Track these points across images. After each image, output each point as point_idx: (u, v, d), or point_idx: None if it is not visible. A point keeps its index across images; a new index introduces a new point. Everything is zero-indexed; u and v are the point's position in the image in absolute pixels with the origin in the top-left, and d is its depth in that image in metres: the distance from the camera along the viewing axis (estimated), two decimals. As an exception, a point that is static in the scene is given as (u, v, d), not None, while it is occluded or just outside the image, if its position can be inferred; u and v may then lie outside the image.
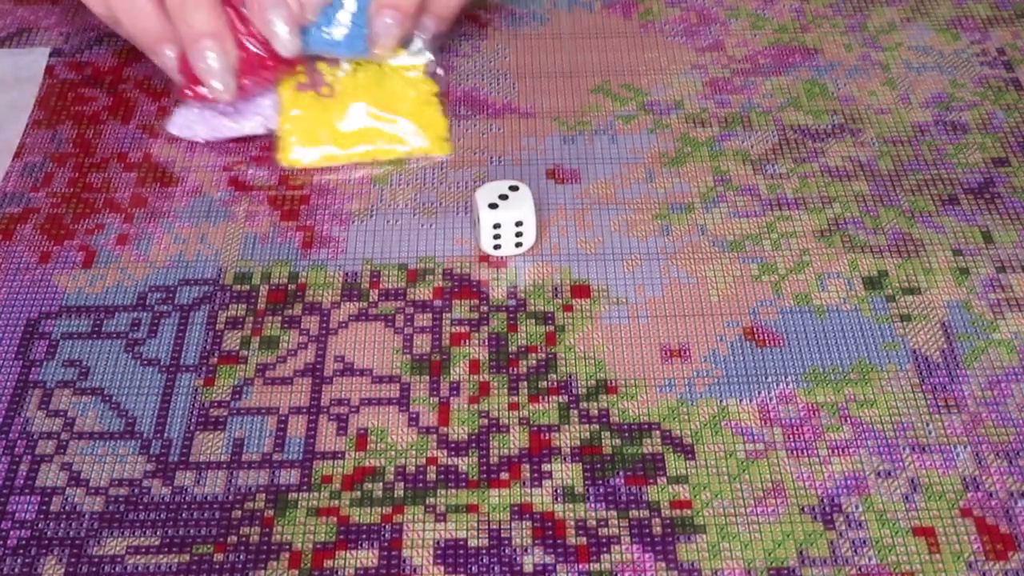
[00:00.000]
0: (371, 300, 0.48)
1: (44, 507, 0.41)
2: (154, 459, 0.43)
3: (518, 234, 0.49)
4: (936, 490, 0.41)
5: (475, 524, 0.41)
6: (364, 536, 0.41)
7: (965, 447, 0.43)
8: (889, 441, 0.43)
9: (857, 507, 0.41)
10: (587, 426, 0.44)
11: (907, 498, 0.41)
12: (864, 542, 0.40)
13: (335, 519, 0.41)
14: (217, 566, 0.40)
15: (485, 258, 0.50)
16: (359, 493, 0.42)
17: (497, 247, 0.49)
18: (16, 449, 0.43)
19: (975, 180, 0.53)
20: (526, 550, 0.40)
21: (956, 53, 0.60)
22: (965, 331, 0.47)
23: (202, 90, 0.52)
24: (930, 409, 0.44)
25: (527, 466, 0.43)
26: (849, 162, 0.54)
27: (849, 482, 0.42)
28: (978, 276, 0.49)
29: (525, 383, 0.45)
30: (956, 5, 0.63)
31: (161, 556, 0.40)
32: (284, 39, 0.51)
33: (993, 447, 0.43)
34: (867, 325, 0.47)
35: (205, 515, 0.41)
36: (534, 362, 0.46)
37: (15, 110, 0.57)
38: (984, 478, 0.42)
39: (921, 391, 0.44)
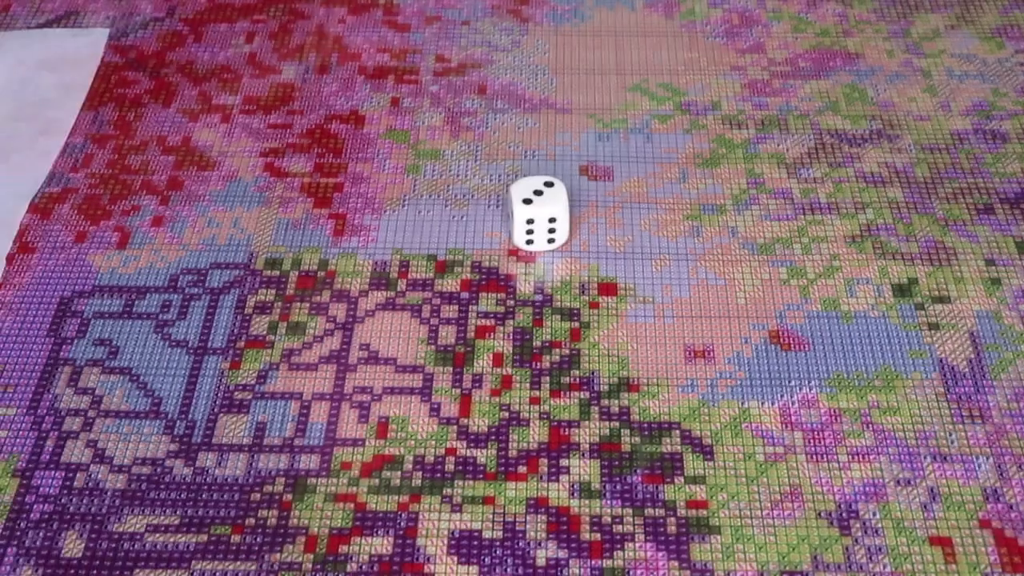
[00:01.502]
0: (399, 290, 0.49)
1: (68, 483, 0.42)
2: (178, 439, 0.43)
3: (551, 230, 0.49)
4: (955, 500, 0.41)
5: (491, 516, 0.41)
6: (380, 523, 0.41)
7: (987, 458, 0.42)
8: (911, 449, 0.43)
9: (874, 514, 0.41)
10: (607, 423, 0.44)
11: (926, 507, 0.41)
12: (880, 549, 0.40)
13: (352, 505, 0.41)
14: (234, 547, 0.40)
15: (514, 252, 0.50)
16: (377, 481, 0.42)
17: (530, 242, 0.49)
18: (44, 425, 0.44)
19: (1012, 190, 0.52)
20: (540, 544, 0.40)
21: (1000, 62, 0.59)
22: (994, 342, 0.46)
23: None
24: (954, 419, 0.43)
25: (545, 460, 0.43)
26: (885, 168, 0.53)
27: (868, 489, 0.41)
28: (1010, 287, 0.48)
29: (548, 378, 0.45)
30: (1003, 14, 0.62)
31: (179, 535, 0.40)
32: None
33: (1016, 459, 0.42)
34: (894, 332, 0.46)
35: (225, 497, 0.42)
36: (557, 357, 0.46)
37: (70, 90, 0.58)
38: (1005, 490, 0.41)
39: (946, 400, 0.44)
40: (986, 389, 0.44)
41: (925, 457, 0.42)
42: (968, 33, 0.61)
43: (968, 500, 0.41)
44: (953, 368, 0.45)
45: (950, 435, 0.43)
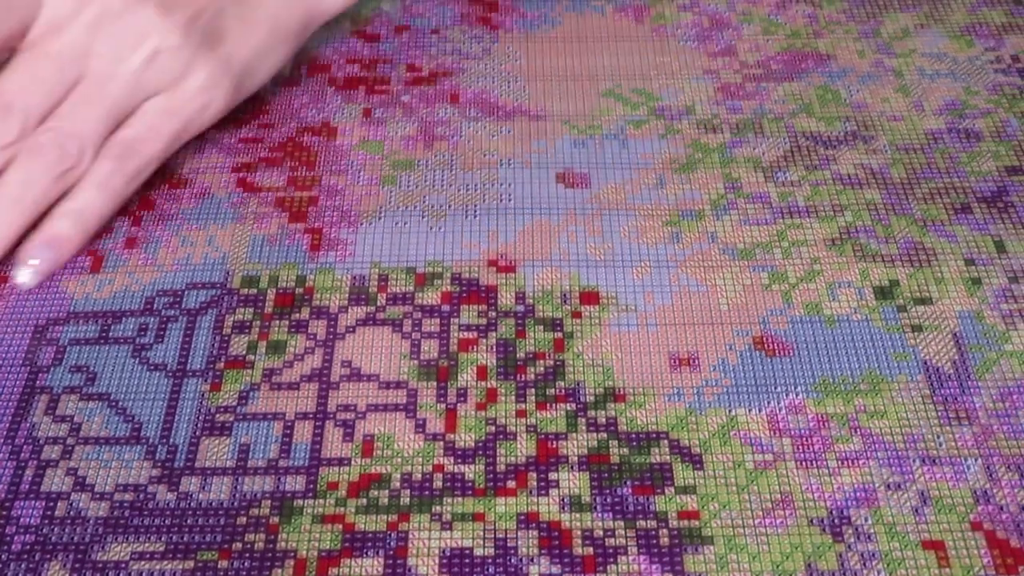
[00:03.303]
0: (379, 304, 0.48)
1: (49, 512, 0.41)
2: (159, 464, 0.43)
3: None
4: (946, 503, 0.41)
5: (481, 533, 0.41)
6: (370, 544, 0.40)
7: (976, 460, 0.42)
8: (899, 453, 0.43)
9: (866, 519, 0.41)
10: (595, 434, 0.43)
11: (917, 511, 0.41)
12: (873, 555, 0.40)
13: (340, 526, 0.41)
14: (222, 573, 0.39)
15: (493, 263, 0.49)
16: (365, 500, 0.42)
17: None
18: (22, 454, 0.43)
19: (988, 189, 0.52)
20: (532, 560, 0.40)
21: (970, 60, 0.59)
22: (977, 342, 0.46)
23: None
24: (941, 421, 0.44)
25: (534, 474, 0.42)
26: (861, 170, 0.53)
27: (858, 494, 0.41)
28: (990, 286, 0.48)
29: (533, 390, 0.45)
30: (971, 12, 0.62)
31: (165, 562, 0.40)
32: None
33: (1004, 460, 0.42)
34: (878, 335, 0.46)
35: (210, 521, 0.41)
36: (542, 369, 0.46)
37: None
38: (995, 491, 0.41)
39: (932, 402, 0.44)
40: (971, 390, 0.44)
41: (914, 460, 0.42)
42: (938, 32, 0.61)
43: (959, 503, 0.41)
44: (938, 370, 0.45)
45: (938, 437, 0.43)
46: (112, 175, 0.49)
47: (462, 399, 0.45)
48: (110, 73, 0.50)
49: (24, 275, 0.48)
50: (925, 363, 0.46)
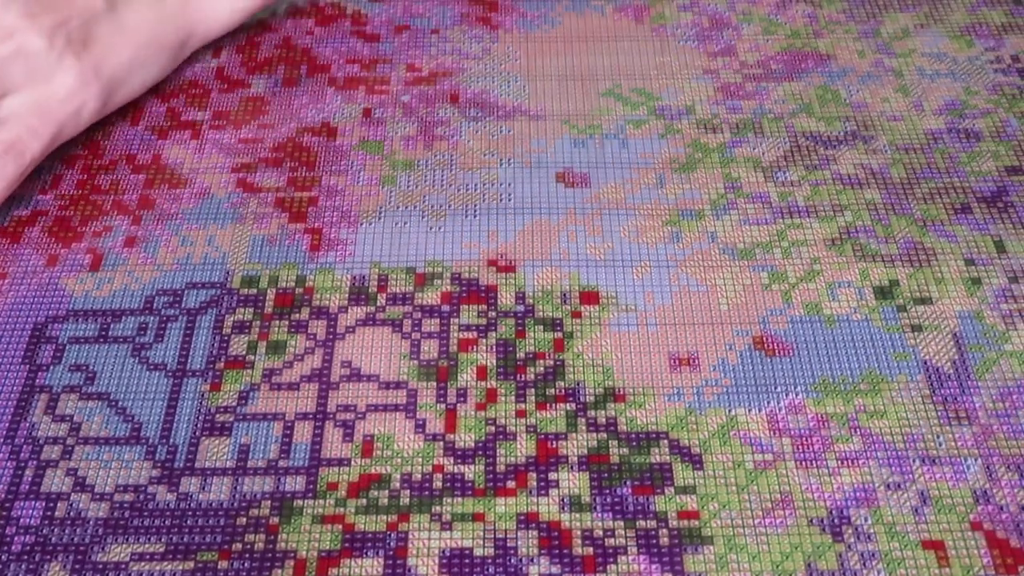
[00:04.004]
0: (379, 304, 0.48)
1: (49, 513, 0.41)
2: (159, 465, 0.43)
3: None
4: (946, 503, 0.41)
5: (481, 533, 0.41)
6: (369, 544, 0.40)
7: (976, 460, 0.42)
8: (899, 453, 0.43)
9: (866, 519, 0.41)
10: (595, 434, 0.43)
11: (917, 511, 0.41)
12: (873, 555, 0.40)
13: (340, 527, 0.41)
14: (222, 573, 0.39)
15: (493, 263, 0.49)
16: (365, 501, 0.42)
17: None
18: (22, 454, 0.43)
19: (988, 189, 0.52)
20: (532, 560, 0.40)
21: (970, 60, 0.59)
22: (977, 342, 0.46)
23: None
24: (941, 421, 0.44)
25: (534, 475, 0.42)
26: (861, 169, 0.53)
27: (858, 494, 0.41)
28: (990, 286, 0.48)
29: (533, 390, 0.45)
30: (970, 12, 0.62)
31: (165, 563, 0.40)
32: None
33: (1004, 460, 0.42)
34: (878, 335, 0.46)
35: (210, 522, 0.41)
36: (542, 369, 0.46)
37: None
38: (995, 491, 0.41)
39: (932, 402, 0.44)
40: (971, 390, 0.44)
41: (914, 460, 0.42)
42: (937, 32, 0.61)
43: (959, 502, 0.41)
44: (938, 370, 0.45)
45: (938, 437, 0.43)
46: None
47: (462, 399, 0.45)
48: None
49: None
50: (925, 363, 0.45)
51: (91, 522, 0.41)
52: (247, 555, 0.40)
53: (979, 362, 0.45)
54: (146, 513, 0.41)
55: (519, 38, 0.61)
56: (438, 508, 0.41)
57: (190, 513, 0.41)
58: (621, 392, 0.45)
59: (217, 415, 0.44)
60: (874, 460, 0.42)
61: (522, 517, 0.41)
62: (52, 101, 0.51)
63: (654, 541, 0.40)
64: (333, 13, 0.63)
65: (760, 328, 0.47)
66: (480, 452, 0.43)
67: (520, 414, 0.44)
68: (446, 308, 0.48)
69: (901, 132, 0.55)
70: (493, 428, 0.44)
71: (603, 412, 0.44)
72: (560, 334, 0.47)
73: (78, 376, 0.45)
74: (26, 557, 0.40)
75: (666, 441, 0.43)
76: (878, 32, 0.61)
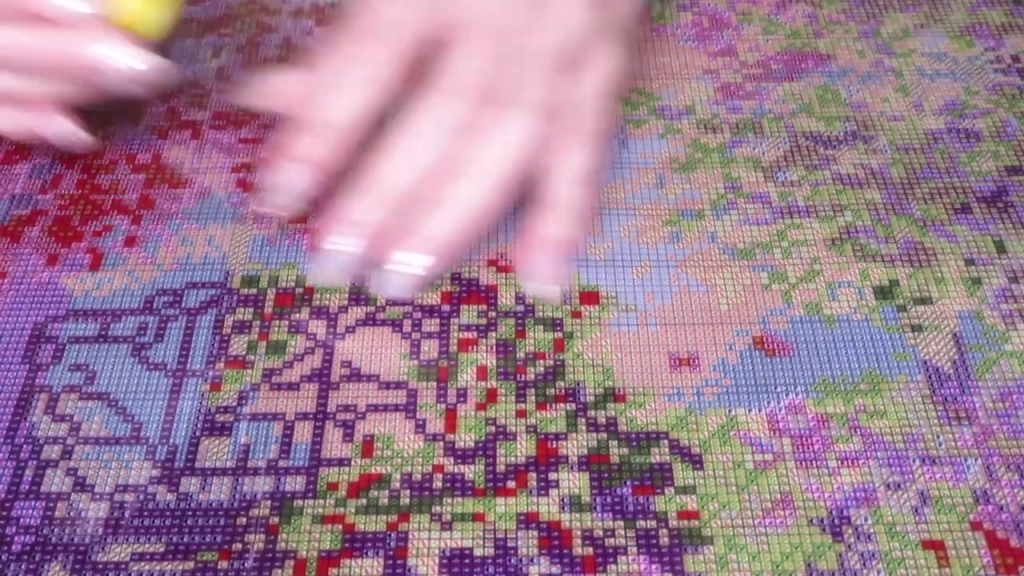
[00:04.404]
0: (379, 304, 0.48)
1: (49, 513, 0.41)
2: (160, 465, 0.43)
3: None
4: (946, 503, 0.41)
5: (481, 533, 0.41)
6: (369, 544, 0.40)
7: (976, 459, 0.42)
8: (899, 453, 0.43)
9: (866, 519, 0.41)
10: (595, 435, 0.43)
11: (917, 511, 0.41)
12: (873, 555, 0.40)
13: (340, 527, 0.41)
14: (221, 573, 0.39)
15: (493, 263, 0.49)
16: (365, 501, 0.42)
17: None
18: (22, 454, 0.43)
19: (988, 189, 0.52)
20: (532, 560, 0.40)
21: (970, 60, 0.59)
22: (977, 342, 0.46)
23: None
24: (941, 421, 0.44)
25: (534, 475, 0.42)
26: (861, 170, 0.53)
27: (858, 494, 0.41)
28: (990, 286, 0.48)
29: (533, 390, 0.45)
30: (970, 12, 0.62)
31: (166, 563, 0.40)
32: None
33: (1004, 460, 0.42)
34: (878, 335, 0.46)
35: (210, 522, 0.41)
36: (542, 369, 0.46)
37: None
38: (995, 491, 0.41)
39: (932, 402, 0.44)
40: (971, 390, 0.44)
41: (914, 460, 0.42)
42: (937, 32, 0.61)
43: (959, 502, 0.41)
44: (938, 370, 0.45)
45: (938, 437, 0.43)
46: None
47: (462, 399, 0.45)
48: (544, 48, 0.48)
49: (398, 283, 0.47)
50: (925, 363, 0.45)
51: (91, 522, 0.41)
52: (247, 555, 0.40)
53: (979, 362, 0.45)
54: (146, 513, 0.41)
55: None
56: (438, 508, 0.41)
57: (190, 513, 0.41)
58: (621, 392, 0.45)
59: (217, 415, 0.44)
60: (874, 460, 0.42)
61: (522, 517, 0.41)
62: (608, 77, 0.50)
63: (654, 541, 0.40)
64: (333, 13, 0.63)
65: (760, 328, 0.47)
66: (480, 452, 0.43)
67: (520, 414, 0.44)
68: (446, 308, 0.48)
69: (901, 132, 0.55)
70: (493, 428, 0.44)
71: (603, 412, 0.44)
72: (560, 334, 0.47)
73: (78, 376, 0.45)
74: (26, 557, 0.40)
75: (666, 441, 0.43)
76: (878, 32, 0.61)
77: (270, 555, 0.40)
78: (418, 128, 0.47)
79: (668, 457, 0.43)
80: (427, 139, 0.47)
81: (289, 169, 0.46)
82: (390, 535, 0.41)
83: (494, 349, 0.46)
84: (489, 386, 0.45)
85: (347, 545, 0.40)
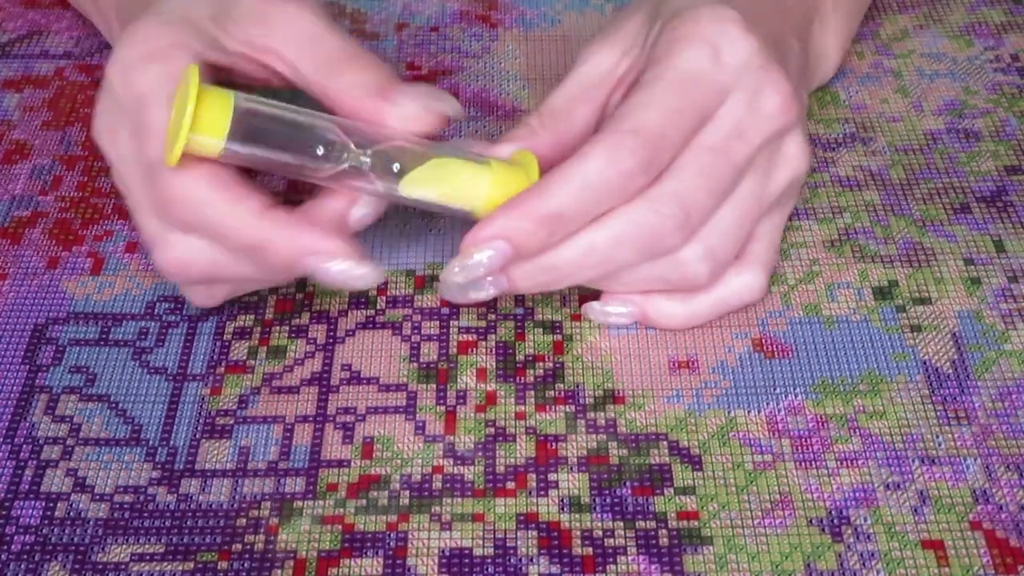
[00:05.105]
0: (378, 308, 0.48)
1: (49, 513, 0.41)
2: (160, 466, 0.43)
3: None
4: (946, 503, 0.41)
5: (480, 533, 0.41)
6: (369, 544, 0.40)
7: (975, 459, 0.42)
8: (898, 453, 0.43)
9: (866, 519, 0.41)
10: (594, 436, 0.44)
11: (916, 511, 0.41)
12: (872, 555, 0.40)
13: (340, 527, 0.41)
14: (221, 574, 0.40)
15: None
16: (364, 501, 0.42)
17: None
18: (21, 454, 0.43)
19: (987, 188, 0.52)
20: (532, 560, 0.40)
21: (969, 60, 0.59)
22: (976, 342, 0.46)
23: None
24: (940, 421, 0.44)
25: (533, 475, 0.42)
26: (860, 171, 0.53)
27: (858, 494, 0.41)
28: (990, 286, 0.48)
29: (532, 392, 0.45)
30: (970, 11, 0.62)
31: (165, 564, 0.40)
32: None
33: (1003, 459, 0.42)
34: (877, 336, 0.46)
35: (210, 523, 0.41)
36: (541, 371, 0.46)
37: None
38: (994, 491, 0.41)
39: (931, 402, 0.44)
40: (971, 390, 0.45)
41: (913, 460, 0.42)
42: (937, 32, 0.61)
43: (958, 502, 0.41)
44: (937, 370, 0.45)
45: (937, 437, 0.43)
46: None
47: (461, 401, 0.45)
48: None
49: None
50: (924, 363, 0.46)
51: (91, 522, 0.41)
52: (247, 556, 0.40)
53: (978, 362, 0.45)
54: (146, 514, 0.41)
55: (519, 36, 0.61)
56: (438, 508, 0.41)
57: (190, 514, 0.41)
58: (620, 394, 0.45)
59: (217, 418, 0.44)
60: (873, 460, 0.42)
61: (522, 517, 0.41)
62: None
63: (654, 541, 0.40)
64: (333, 12, 0.63)
65: (759, 330, 0.47)
66: (480, 453, 0.43)
67: (520, 416, 0.44)
68: (446, 311, 0.48)
69: (900, 133, 0.55)
70: (493, 430, 0.44)
71: (602, 414, 0.44)
72: (559, 336, 0.47)
73: (78, 378, 0.46)
74: (26, 557, 0.40)
75: (665, 442, 0.43)
76: (877, 33, 0.61)
77: (270, 555, 0.40)
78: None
79: (667, 458, 0.43)
80: None
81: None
82: (390, 535, 0.41)
83: (493, 351, 0.46)
84: (489, 388, 0.45)
85: (347, 545, 0.40)
